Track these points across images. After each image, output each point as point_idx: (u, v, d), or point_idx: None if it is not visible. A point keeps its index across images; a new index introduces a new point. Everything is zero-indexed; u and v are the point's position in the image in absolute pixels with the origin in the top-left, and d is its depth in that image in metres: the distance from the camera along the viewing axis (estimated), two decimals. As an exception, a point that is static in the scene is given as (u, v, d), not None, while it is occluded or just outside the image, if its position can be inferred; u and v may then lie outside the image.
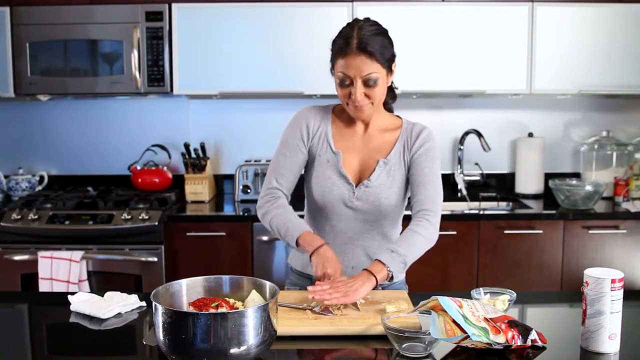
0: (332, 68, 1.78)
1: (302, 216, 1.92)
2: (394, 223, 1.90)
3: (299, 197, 1.98)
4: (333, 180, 1.82)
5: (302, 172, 1.91)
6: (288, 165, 1.86)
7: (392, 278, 1.68)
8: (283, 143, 1.89)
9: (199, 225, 3.03)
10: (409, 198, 1.86)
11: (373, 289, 1.64)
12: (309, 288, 1.58)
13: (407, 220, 1.95)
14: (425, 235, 1.74)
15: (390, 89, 1.89)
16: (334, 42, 1.75)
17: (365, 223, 1.84)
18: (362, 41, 1.68)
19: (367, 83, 1.71)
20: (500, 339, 1.34)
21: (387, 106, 1.92)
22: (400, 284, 1.95)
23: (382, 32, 1.74)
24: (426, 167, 1.80)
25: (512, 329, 1.36)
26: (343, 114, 1.88)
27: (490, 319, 1.37)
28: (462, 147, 3.56)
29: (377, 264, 1.66)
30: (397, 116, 1.93)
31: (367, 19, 1.76)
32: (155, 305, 1.24)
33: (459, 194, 3.49)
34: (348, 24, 1.76)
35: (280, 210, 1.83)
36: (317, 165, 1.85)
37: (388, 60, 1.74)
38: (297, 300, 1.66)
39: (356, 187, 1.82)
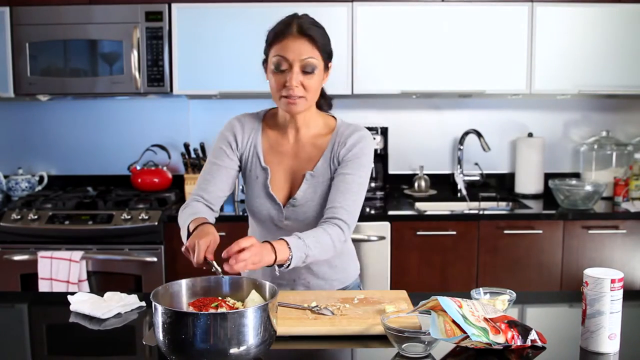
0: (266, 59, 1.69)
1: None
2: None
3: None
4: (261, 201, 1.75)
5: (234, 181, 1.80)
6: (214, 176, 1.75)
7: (287, 266, 1.53)
8: (212, 153, 1.78)
9: (198, 225, 3.03)
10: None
11: (268, 266, 1.52)
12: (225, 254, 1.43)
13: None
14: (334, 241, 1.63)
15: (324, 95, 1.80)
16: (271, 30, 1.68)
17: None
18: (303, 26, 1.63)
19: (305, 69, 1.63)
20: (500, 339, 1.34)
21: (323, 110, 1.82)
22: (355, 286, 1.89)
23: (322, 26, 1.70)
24: (349, 174, 1.68)
25: (512, 329, 1.36)
26: (273, 122, 1.78)
27: (490, 319, 1.37)
28: (461, 147, 3.56)
29: (282, 244, 1.51)
30: (333, 116, 1.81)
31: (305, 14, 1.71)
32: (155, 305, 1.24)
33: (459, 194, 3.49)
34: (286, 16, 1.70)
35: (188, 210, 1.71)
36: (249, 180, 1.78)
37: (327, 53, 1.69)
38: (297, 300, 1.66)
39: (284, 207, 1.74)
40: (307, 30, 1.63)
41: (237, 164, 1.78)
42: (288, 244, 1.52)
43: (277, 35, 1.65)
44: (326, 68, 1.70)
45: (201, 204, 1.73)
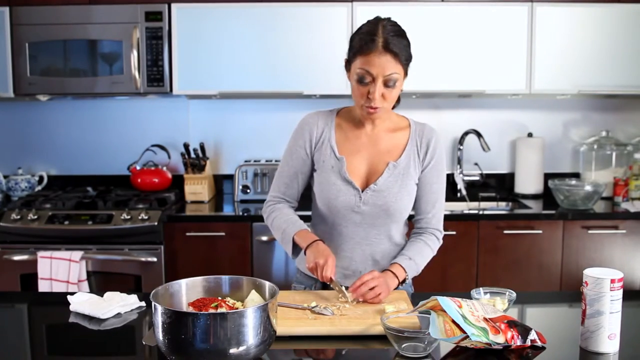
0: (348, 64, 1.75)
1: (306, 218, 1.92)
2: (399, 226, 1.89)
3: (307, 196, 1.95)
4: (338, 187, 1.80)
5: (308, 179, 1.90)
6: (292, 174, 1.88)
7: (403, 282, 1.79)
8: (287, 151, 1.89)
9: (198, 225, 3.03)
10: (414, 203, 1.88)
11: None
12: (350, 289, 1.66)
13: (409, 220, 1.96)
14: (434, 251, 1.88)
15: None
16: (356, 38, 1.71)
17: (372, 227, 1.83)
18: (388, 40, 1.66)
19: (387, 84, 1.69)
20: (500, 339, 1.34)
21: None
22: (407, 286, 1.93)
23: (404, 34, 1.73)
24: (435, 183, 1.84)
25: (512, 329, 1.36)
26: (348, 116, 1.86)
27: (489, 319, 1.37)
28: (461, 147, 3.56)
29: (398, 267, 1.76)
30: (403, 116, 1.91)
31: (388, 19, 1.74)
32: (154, 305, 1.24)
33: (459, 194, 3.49)
34: (370, 21, 1.73)
35: (279, 213, 1.87)
36: (322, 171, 1.83)
37: (408, 62, 1.73)
38: (297, 300, 1.66)
39: (362, 191, 1.80)
40: (392, 46, 1.66)
41: (310, 162, 1.86)
42: (403, 268, 1.77)
43: (363, 48, 1.67)
44: (406, 74, 1.74)
45: (284, 204, 1.90)
